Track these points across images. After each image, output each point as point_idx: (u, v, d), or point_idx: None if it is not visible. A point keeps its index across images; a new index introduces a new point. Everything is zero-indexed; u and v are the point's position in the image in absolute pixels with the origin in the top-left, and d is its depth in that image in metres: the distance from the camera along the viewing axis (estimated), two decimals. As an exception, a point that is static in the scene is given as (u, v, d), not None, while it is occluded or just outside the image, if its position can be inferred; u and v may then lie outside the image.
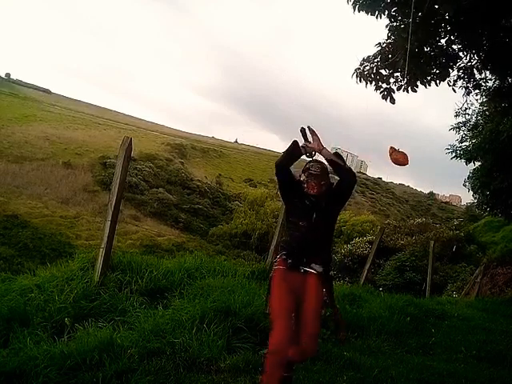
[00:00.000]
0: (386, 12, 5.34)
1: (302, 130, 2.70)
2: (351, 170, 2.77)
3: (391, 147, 2.94)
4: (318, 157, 2.81)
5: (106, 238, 3.83)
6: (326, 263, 2.71)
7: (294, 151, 2.71)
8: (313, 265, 2.63)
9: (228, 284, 4.21)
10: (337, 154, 2.72)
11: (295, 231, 2.70)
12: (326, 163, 2.75)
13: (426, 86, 5.87)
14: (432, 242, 11.26)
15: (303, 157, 2.87)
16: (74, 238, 29.62)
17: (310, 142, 2.73)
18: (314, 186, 2.70)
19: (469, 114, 12.27)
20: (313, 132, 2.71)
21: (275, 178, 2.84)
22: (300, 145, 2.73)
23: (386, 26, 5.80)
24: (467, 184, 13.70)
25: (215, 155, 65.06)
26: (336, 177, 2.79)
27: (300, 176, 2.78)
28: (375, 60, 5.95)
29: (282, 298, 2.57)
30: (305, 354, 2.64)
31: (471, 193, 13.99)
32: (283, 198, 2.90)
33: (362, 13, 5.31)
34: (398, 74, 5.90)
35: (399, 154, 2.93)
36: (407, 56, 4.69)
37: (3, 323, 3.11)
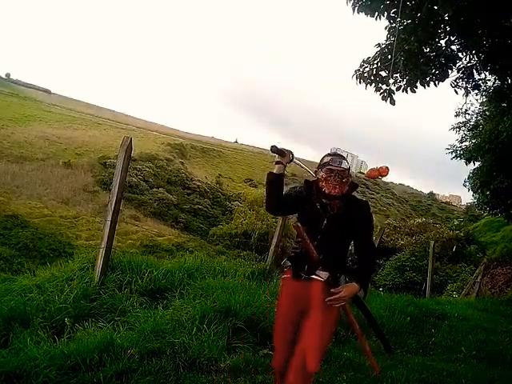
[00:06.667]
0: (386, 13, 5.34)
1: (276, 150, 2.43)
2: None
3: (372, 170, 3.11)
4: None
5: (105, 238, 3.84)
6: (337, 268, 2.34)
7: (276, 186, 2.41)
8: (318, 271, 2.31)
9: (228, 284, 4.21)
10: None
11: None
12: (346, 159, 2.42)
13: (425, 87, 5.87)
14: (432, 242, 11.26)
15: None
16: (74, 238, 29.56)
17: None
18: (336, 185, 2.30)
19: (469, 114, 12.32)
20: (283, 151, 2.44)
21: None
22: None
23: (386, 28, 5.82)
24: (467, 184, 13.73)
25: (215, 155, 65.00)
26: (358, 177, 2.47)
27: (316, 173, 2.42)
28: (375, 61, 5.95)
29: (285, 314, 2.45)
30: (304, 370, 2.20)
31: (471, 193, 14.03)
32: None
33: (362, 14, 5.31)
34: (398, 74, 5.90)
35: (381, 170, 3.06)
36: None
37: (3, 323, 3.11)
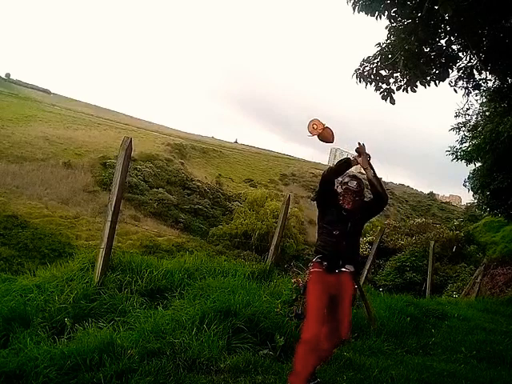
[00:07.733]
0: (386, 13, 5.33)
1: (360, 145, 2.93)
2: (386, 193, 3.04)
3: (317, 121, 2.92)
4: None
5: (105, 239, 3.84)
6: (357, 263, 3.04)
7: (343, 169, 2.95)
8: (346, 265, 2.94)
9: (228, 284, 4.21)
10: (377, 178, 2.98)
11: (329, 237, 2.94)
12: (363, 179, 3.01)
13: (425, 87, 5.86)
14: (432, 242, 11.25)
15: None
16: (74, 239, 29.60)
17: (360, 157, 2.95)
18: (350, 202, 2.95)
19: (469, 115, 12.28)
20: (364, 150, 2.96)
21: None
22: (350, 157, 2.95)
23: (386, 27, 5.81)
24: (467, 184, 13.70)
25: (215, 155, 64.99)
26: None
27: (337, 187, 3.01)
28: (375, 60, 5.94)
29: (318, 297, 2.88)
30: (338, 338, 3.00)
31: (471, 193, 14.00)
32: (319, 205, 3.10)
33: (362, 13, 5.30)
34: (398, 74, 5.89)
35: (328, 131, 2.93)
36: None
37: (3, 323, 3.11)
